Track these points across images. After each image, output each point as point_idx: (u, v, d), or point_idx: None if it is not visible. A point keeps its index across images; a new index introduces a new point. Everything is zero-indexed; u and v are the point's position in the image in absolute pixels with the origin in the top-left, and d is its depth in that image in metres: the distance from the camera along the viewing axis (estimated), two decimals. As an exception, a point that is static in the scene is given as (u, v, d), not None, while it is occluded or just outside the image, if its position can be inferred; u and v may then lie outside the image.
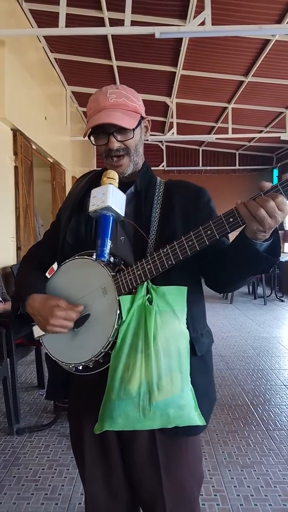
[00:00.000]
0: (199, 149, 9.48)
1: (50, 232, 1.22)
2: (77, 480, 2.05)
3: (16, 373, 2.67)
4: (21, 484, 2.03)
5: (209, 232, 0.87)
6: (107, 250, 0.94)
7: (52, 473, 2.12)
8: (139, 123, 1.03)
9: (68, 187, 6.80)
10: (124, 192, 1.01)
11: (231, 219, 0.85)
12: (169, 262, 0.91)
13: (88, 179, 1.14)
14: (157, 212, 1.05)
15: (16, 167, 4.28)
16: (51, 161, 5.85)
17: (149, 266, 0.93)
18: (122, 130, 1.00)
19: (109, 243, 0.95)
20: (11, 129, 4.16)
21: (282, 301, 7.23)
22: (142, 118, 1.05)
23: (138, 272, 0.93)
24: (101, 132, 1.01)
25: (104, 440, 1.06)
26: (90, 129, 1.01)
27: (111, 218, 0.97)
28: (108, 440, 1.06)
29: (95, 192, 0.99)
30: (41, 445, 2.39)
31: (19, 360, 2.94)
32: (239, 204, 0.83)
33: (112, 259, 0.97)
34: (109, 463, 1.08)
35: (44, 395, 2.46)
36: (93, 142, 1.04)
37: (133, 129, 1.00)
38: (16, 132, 4.21)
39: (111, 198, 0.95)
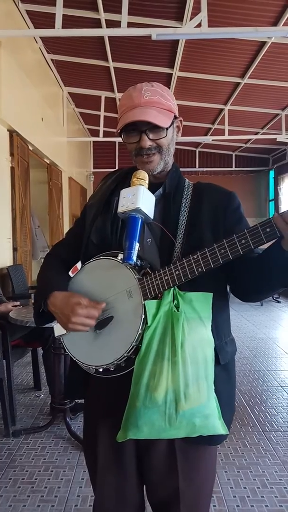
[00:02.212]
0: (195, 151, 9.49)
1: (73, 230, 1.19)
2: (74, 482, 2.04)
3: (12, 374, 2.65)
4: (17, 486, 2.02)
5: (243, 241, 0.84)
6: (134, 253, 0.92)
7: (48, 475, 2.11)
8: (172, 123, 1.01)
9: (65, 188, 6.79)
10: (153, 193, 0.98)
11: (267, 229, 0.82)
12: (199, 270, 0.88)
13: (114, 178, 1.11)
14: (184, 215, 1.02)
15: (12, 168, 4.26)
16: (48, 162, 5.84)
17: (177, 272, 0.90)
18: (155, 128, 0.97)
19: (137, 246, 0.92)
20: (8, 130, 4.15)
21: (279, 302, 7.25)
22: (175, 117, 1.03)
23: (166, 278, 0.91)
24: (133, 129, 0.98)
25: (121, 444, 1.02)
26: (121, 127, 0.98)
27: (140, 220, 0.94)
28: (124, 445, 1.02)
29: (125, 193, 0.96)
30: (37, 447, 2.38)
31: (15, 361, 2.93)
32: (276, 216, 0.81)
33: (139, 262, 0.94)
34: (123, 467, 1.06)
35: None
36: (124, 140, 1.01)
37: (167, 128, 0.98)
38: (12, 133, 4.20)
39: (142, 200, 0.93)
